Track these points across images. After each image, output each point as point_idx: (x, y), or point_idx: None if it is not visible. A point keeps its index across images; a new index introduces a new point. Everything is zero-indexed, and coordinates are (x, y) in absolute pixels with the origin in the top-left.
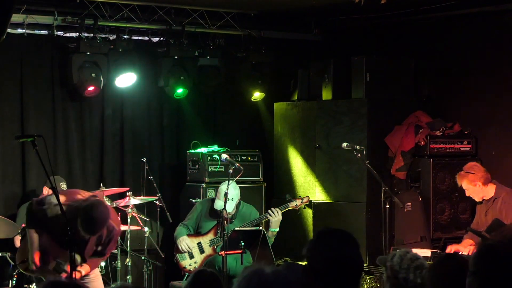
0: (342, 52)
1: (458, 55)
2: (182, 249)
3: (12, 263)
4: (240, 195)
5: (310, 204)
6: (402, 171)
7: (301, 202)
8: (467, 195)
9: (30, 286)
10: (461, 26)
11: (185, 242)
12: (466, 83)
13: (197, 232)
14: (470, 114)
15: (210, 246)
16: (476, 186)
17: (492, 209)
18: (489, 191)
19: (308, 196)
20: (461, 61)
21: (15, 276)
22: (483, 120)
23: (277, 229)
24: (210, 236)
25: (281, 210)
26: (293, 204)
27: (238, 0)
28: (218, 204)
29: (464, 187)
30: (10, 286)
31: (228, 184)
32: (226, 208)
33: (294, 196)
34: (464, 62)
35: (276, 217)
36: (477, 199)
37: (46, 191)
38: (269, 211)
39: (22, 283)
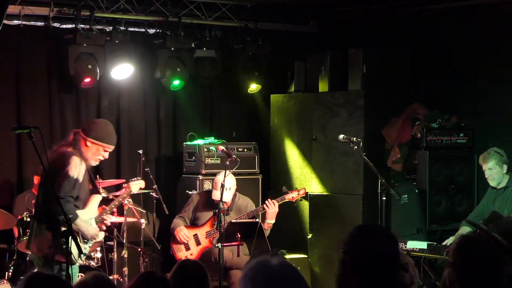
0: (339, 44)
1: (455, 47)
2: (180, 239)
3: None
4: (237, 187)
5: (306, 196)
6: (399, 163)
7: (298, 194)
8: (487, 176)
9: None
10: (458, 18)
11: (183, 232)
12: (463, 75)
13: (193, 224)
14: (467, 107)
15: (206, 238)
16: (502, 169)
17: (501, 197)
18: (505, 179)
19: (304, 188)
20: (458, 53)
21: (12, 267)
22: (480, 113)
23: (273, 221)
24: (207, 228)
25: (277, 202)
26: (289, 196)
27: None
28: (216, 195)
29: (489, 166)
30: (6, 277)
31: (225, 176)
32: (224, 197)
33: (290, 188)
34: (462, 54)
35: (272, 208)
36: (493, 183)
37: (37, 180)
38: (266, 202)
39: (18, 274)
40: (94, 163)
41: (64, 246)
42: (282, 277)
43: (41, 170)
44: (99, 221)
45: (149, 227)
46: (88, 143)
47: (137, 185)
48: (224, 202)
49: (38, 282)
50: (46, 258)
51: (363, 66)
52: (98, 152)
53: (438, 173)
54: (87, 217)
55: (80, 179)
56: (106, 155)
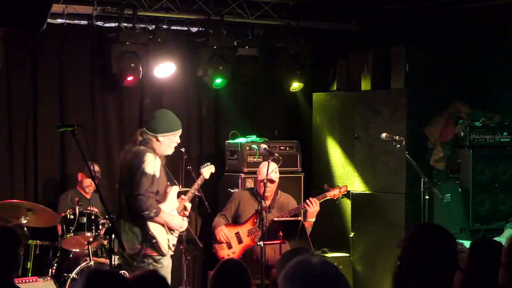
0: (381, 42)
1: (498, 45)
2: (220, 239)
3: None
4: (279, 185)
5: (348, 194)
6: (442, 162)
7: (339, 191)
8: None
9: (70, 274)
10: (502, 15)
11: (223, 232)
12: (506, 74)
13: (235, 222)
14: (510, 105)
15: (248, 236)
16: None
17: None
18: None
19: (346, 186)
20: (502, 51)
21: (55, 264)
22: None
23: (314, 219)
24: (248, 226)
25: (319, 200)
26: (331, 194)
27: None
28: (262, 175)
29: None
30: (50, 274)
31: (267, 174)
32: (272, 175)
33: (332, 185)
34: (505, 52)
35: (314, 208)
36: None
37: (80, 177)
38: (307, 201)
39: (62, 271)
40: (171, 151)
41: (153, 241)
42: (322, 276)
43: (120, 171)
44: (181, 210)
45: (191, 225)
46: (160, 138)
47: (208, 171)
48: (269, 180)
49: (100, 278)
50: (138, 254)
51: (405, 64)
52: (170, 142)
53: (481, 172)
54: (170, 209)
55: (157, 174)
56: (178, 139)
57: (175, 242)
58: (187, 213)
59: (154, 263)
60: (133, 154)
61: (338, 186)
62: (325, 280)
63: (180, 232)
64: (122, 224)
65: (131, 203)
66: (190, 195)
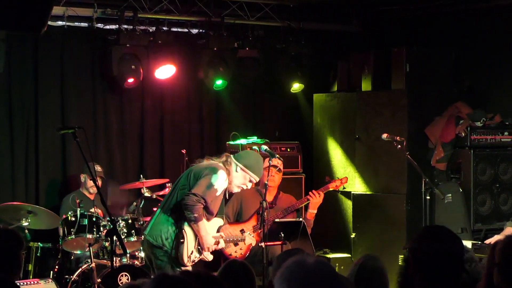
0: (382, 43)
1: (499, 45)
2: (226, 238)
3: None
4: (280, 186)
5: (349, 195)
6: (443, 162)
7: (340, 182)
8: None
9: (71, 276)
10: (502, 16)
11: (228, 231)
12: (507, 74)
13: (236, 220)
14: (510, 105)
15: (253, 232)
16: None
17: None
18: None
19: (346, 177)
20: (502, 52)
21: (57, 266)
22: None
23: (315, 211)
24: (253, 222)
25: (322, 192)
26: (333, 185)
27: None
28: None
29: None
30: (51, 276)
31: (268, 175)
32: (277, 164)
33: (332, 177)
34: (505, 52)
35: (317, 199)
36: None
37: (83, 178)
38: (310, 193)
39: (63, 273)
40: (236, 189)
41: (181, 240)
42: (318, 276)
43: (188, 171)
44: (215, 242)
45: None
46: (238, 169)
47: (249, 240)
48: (275, 167)
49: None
50: (161, 249)
51: (406, 65)
52: (244, 180)
53: (482, 172)
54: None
55: (218, 192)
56: (250, 186)
57: (196, 259)
58: (217, 246)
59: (173, 264)
60: (211, 163)
61: (338, 178)
62: (322, 280)
63: (202, 257)
64: (160, 214)
65: (182, 199)
66: (228, 239)
